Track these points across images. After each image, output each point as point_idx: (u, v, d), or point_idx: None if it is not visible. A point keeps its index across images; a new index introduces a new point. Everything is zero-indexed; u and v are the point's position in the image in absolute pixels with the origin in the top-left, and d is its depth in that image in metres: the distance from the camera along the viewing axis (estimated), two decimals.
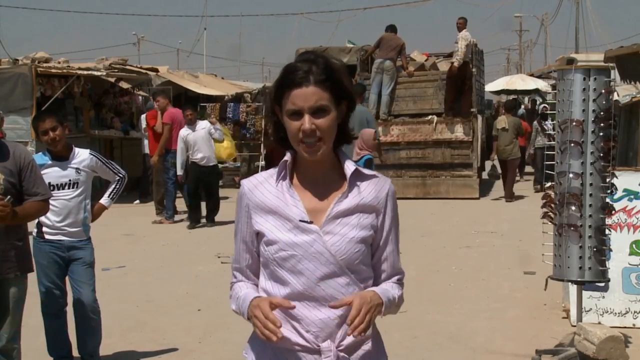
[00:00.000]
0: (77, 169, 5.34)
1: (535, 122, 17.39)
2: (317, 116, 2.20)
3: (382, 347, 2.41)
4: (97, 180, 5.80)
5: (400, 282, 2.40)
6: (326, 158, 2.28)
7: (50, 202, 5.20)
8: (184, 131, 12.08)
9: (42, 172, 5.18)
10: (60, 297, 5.39)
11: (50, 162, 5.31)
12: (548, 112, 16.09)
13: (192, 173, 12.17)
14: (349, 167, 2.29)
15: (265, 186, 2.31)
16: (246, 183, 2.36)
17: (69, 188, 5.31)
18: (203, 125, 12.28)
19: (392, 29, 16.05)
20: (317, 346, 2.25)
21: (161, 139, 12.63)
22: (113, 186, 5.67)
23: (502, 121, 15.47)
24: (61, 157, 5.33)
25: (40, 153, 5.46)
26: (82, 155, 5.41)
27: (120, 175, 5.68)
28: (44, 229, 5.31)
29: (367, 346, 2.32)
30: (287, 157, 2.31)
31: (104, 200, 5.67)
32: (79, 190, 5.34)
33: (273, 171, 2.32)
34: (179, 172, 12.26)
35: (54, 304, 5.35)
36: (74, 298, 5.39)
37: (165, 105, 12.81)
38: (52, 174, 5.28)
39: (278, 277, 2.27)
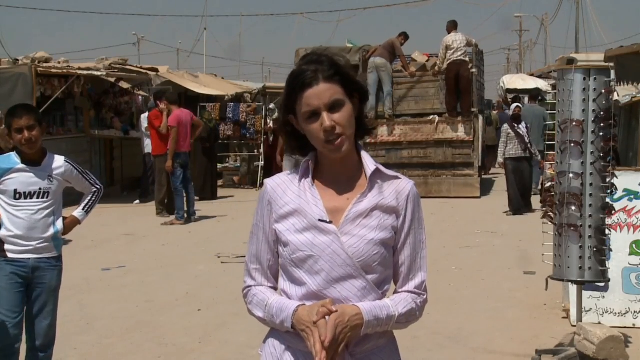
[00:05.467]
0: (49, 176, 4.59)
1: (505, 126, 13.68)
2: (334, 112, 2.18)
3: (395, 349, 2.38)
4: (72, 191, 5.02)
5: (416, 293, 2.31)
6: (348, 156, 2.25)
7: (14, 213, 4.54)
8: None
9: (9, 176, 4.54)
10: (15, 328, 4.54)
11: (20, 165, 4.55)
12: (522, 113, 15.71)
13: None
14: (370, 166, 2.26)
15: (288, 186, 2.29)
16: (269, 182, 2.33)
17: (37, 198, 4.56)
18: None
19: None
20: None
21: (169, 142, 12.33)
22: (89, 198, 4.91)
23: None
24: (33, 161, 4.57)
25: (10, 154, 4.68)
26: (56, 162, 4.66)
27: (97, 187, 4.94)
28: (7, 246, 4.55)
29: (382, 353, 2.29)
30: (309, 157, 2.29)
31: (77, 213, 4.87)
32: (48, 202, 4.59)
33: (297, 172, 2.31)
34: None
35: (6, 338, 4.50)
36: (26, 326, 4.63)
37: (168, 109, 12.60)
38: (19, 179, 4.54)
39: (295, 278, 2.24)
